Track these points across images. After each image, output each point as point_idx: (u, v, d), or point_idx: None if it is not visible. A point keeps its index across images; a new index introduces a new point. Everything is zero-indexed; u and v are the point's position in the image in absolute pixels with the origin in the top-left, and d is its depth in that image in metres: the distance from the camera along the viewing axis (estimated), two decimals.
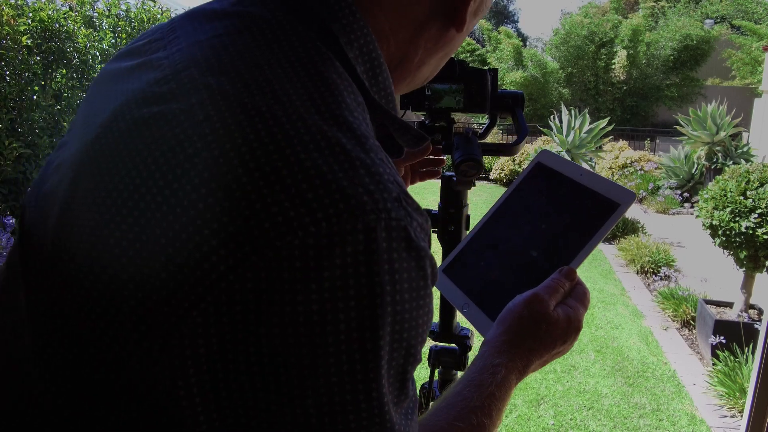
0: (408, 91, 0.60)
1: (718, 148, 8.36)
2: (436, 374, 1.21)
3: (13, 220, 2.83)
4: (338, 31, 0.47)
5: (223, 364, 0.35)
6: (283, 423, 0.36)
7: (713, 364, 3.40)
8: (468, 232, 1.13)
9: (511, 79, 15.71)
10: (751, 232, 3.29)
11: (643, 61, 16.17)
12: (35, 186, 0.49)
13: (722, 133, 8.26)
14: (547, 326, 0.62)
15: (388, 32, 0.51)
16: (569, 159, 0.72)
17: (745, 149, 8.44)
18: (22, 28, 3.89)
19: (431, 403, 1.20)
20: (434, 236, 1.13)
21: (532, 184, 0.74)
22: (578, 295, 0.66)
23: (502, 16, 43.76)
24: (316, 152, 0.37)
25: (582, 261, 0.64)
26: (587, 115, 7.05)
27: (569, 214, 0.68)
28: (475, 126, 1.06)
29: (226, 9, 0.48)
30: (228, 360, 0.35)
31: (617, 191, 0.64)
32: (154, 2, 5.71)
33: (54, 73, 4.27)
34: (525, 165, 9.65)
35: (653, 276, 5.30)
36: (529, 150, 8.54)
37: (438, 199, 1.11)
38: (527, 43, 30.71)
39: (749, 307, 3.69)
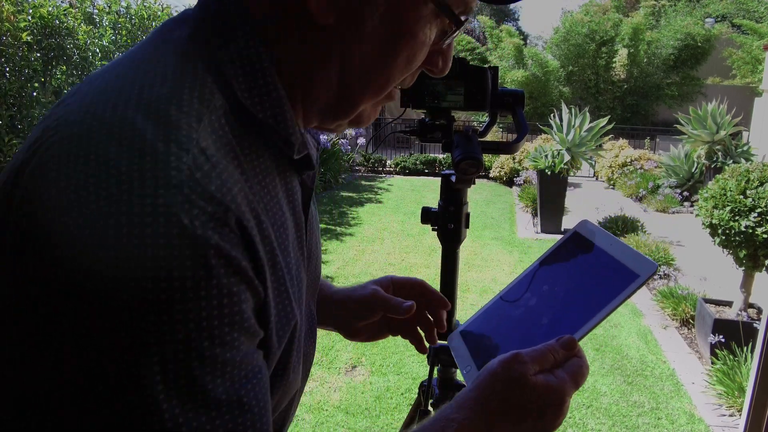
0: (341, 109, 0.56)
1: (718, 147, 8.36)
2: (436, 372, 1.21)
3: None
4: (214, 35, 0.50)
5: None
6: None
7: (712, 363, 3.40)
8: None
9: (512, 77, 15.70)
10: (750, 231, 3.30)
11: (644, 60, 16.15)
12: None
13: (722, 132, 8.26)
14: (520, 390, 0.55)
15: (274, 38, 0.51)
16: (602, 228, 0.71)
17: (745, 148, 8.44)
18: (22, 25, 3.88)
19: (430, 401, 1.21)
20: (434, 234, 1.13)
21: (564, 252, 0.73)
22: (571, 368, 0.57)
23: (503, 14, 43.72)
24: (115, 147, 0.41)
25: (588, 332, 0.61)
26: (587, 114, 7.04)
27: (587, 281, 0.66)
28: (475, 124, 1.06)
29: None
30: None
31: (639, 261, 0.62)
32: None
33: (54, 70, 4.27)
34: (525, 163, 9.59)
35: None
36: (529, 148, 8.54)
37: (438, 197, 1.11)
38: (528, 42, 30.68)
39: (748, 306, 3.70)
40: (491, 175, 10.92)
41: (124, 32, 5.18)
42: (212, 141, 0.44)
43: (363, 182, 10.89)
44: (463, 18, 0.54)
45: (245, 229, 0.44)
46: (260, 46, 0.50)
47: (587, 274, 0.67)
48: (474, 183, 1.01)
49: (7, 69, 3.78)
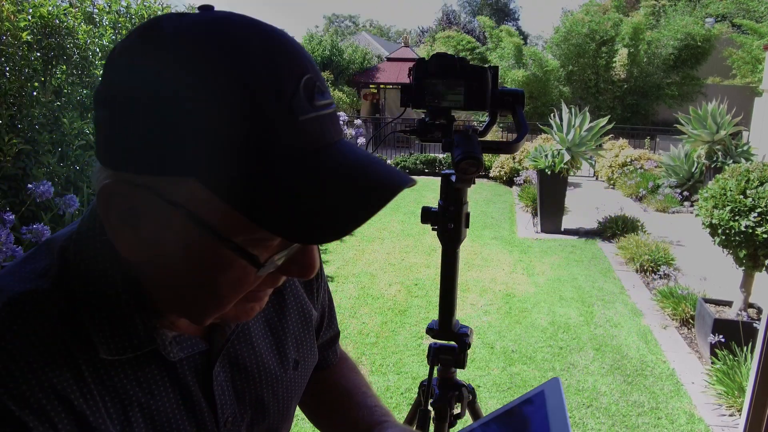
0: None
1: (718, 146, 8.36)
2: (435, 372, 1.21)
3: (13, 216, 2.82)
4: (79, 246, 0.58)
5: None
6: None
7: (712, 363, 3.40)
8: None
9: (512, 77, 15.69)
10: (750, 231, 3.30)
11: (644, 60, 16.15)
12: None
13: (722, 132, 8.26)
14: None
15: (125, 259, 0.58)
16: (564, 404, 0.67)
17: (745, 148, 8.44)
18: (22, 24, 3.88)
19: (429, 401, 1.21)
20: (434, 234, 1.13)
21: (520, 414, 0.70)
22: None
23: (503, 13, 43.66)
24: None
25: None
26: (587, 114, 7.04)
27: None
28: (475, 123, 1.06)
29: None
30: None
31: None
32: None
33: (54, 70, 4.27)
34: (525, 163, 9.57)
35: (652, 274, 5.31)
36: (529, 148, 8.55)
37: (438, 196, 1.11)
38: (528, 41, 30.67)
39: (748, 306, 3.70)
40: (491, 174, 10.92)
41: (124, 32, 5.17)
42: (34, 341, 0.52)
43: None
44: (277, 251, 0.53)
45: (15, 415, 0.50)
46: (109, 262, 0.57)
47: None
48: (474, 182, 1.02)
49: (7, 68, 3.77)
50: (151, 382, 0.61)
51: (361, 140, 10.48)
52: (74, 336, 0.55)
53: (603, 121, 6.97)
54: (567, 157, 6.76)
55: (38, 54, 4.11)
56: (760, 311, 3.69)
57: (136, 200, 0.50)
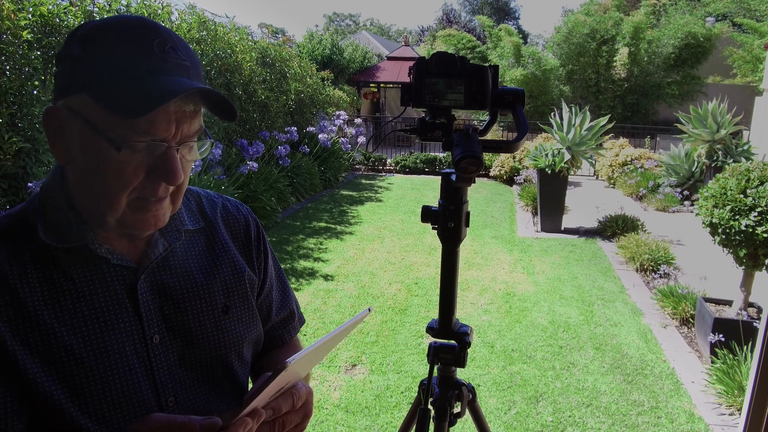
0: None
1: (718, 146, 8.35)
2: (435, 371, 1.21)
3: None
4: (46, 185, 0.83)
5: None
6: None
7: (712, 362, 3.40)
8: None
9: (511, 76, 15.68)
10: (750, 230, 3.30)
11: (645, 59, 16.14)
12: None
13: (723, 131, 8.25)
14: None
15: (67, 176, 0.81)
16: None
17: (745, 147, 8.44)
18: (22, 23, 3.88)
19: (429, 400, 1.21)
20: (434, 233, 1.13)
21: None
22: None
23: (504, 12, 43.62)
24: None
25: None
26: (588, 113, 7.03)
27: None
28: (475, 123, 1.06)
29: None
30: None
31: None
32: None
33: (54, 68, 4.27)
34: (525, 162, 9.54)
35: (653, 274, 5.31)
36: (529, 147, 8.55)
37: (438, 195, 1.11)
38: (528, 41, 30.64)
39: (748, 305, 3.70)
40: (491, 173, 10.92)
41: None
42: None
43: (363, 181, 10.89)
44: (140, 139, 0.73)
45: None
46: (57, 182, 0.80)
47: None
48: (474, 182, 1.02)
49: (8, 67, 3.77)
50: (83, 281, 0.77)
51: (362, 139, 10.47)
52: (22, 227, 0.77)
53: (603, 120, 6.96)
54: (567, 156, 6.76)
55: (38, 53, 4.11)
56: (760, 310, 3.69)
57: (61, 117, 0.76)
